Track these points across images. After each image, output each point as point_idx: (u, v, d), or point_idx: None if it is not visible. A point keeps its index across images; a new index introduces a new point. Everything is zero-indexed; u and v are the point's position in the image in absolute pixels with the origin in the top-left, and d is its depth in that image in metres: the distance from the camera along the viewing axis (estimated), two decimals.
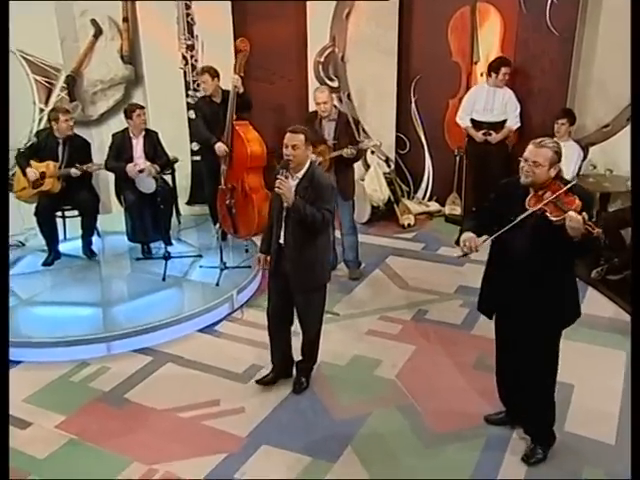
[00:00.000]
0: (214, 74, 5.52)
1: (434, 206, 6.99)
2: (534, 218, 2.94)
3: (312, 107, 6.74)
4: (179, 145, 6.44)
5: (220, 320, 4.85)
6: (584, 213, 2.80)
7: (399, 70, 6.70)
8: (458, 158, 6.72)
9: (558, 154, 2.98)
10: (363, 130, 5.78)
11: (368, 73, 6.69)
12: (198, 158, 6.84)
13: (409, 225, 6.63)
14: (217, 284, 5.05)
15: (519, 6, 6.06)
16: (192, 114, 6.69)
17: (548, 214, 2.90)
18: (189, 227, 6.44)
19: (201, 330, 4.72)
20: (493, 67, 6.14)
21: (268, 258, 3.80)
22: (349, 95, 6.84)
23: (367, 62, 6.66)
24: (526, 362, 3.15)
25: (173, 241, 5.75)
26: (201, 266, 5.39)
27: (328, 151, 5.05)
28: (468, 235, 3.17)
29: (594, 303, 4.99)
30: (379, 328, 4.72)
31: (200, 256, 5.60)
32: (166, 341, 4.54)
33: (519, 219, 2.98)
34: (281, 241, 3.65)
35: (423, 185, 7.18)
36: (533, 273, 3.01)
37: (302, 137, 3.48)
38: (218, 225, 5.19)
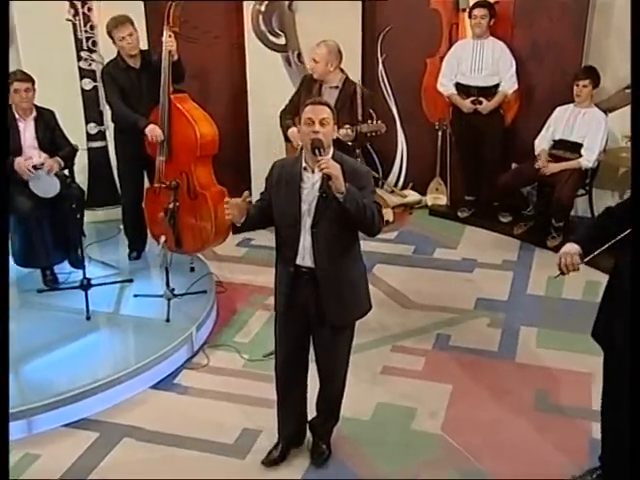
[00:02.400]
0: (131, 22, 5.05)
1: (412, 196, 6.85)
2: None
3: (251, 71, 6.46)
4: (70, 127, 5.81)
5: (178, 369, 4.44)
6: None
7: (364, 21, 6.46)
8: (440, 133, 6.65)
9: None
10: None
11: (324, 26, 6.28)
12: (98, 144, 6.30)
13: (387, 222, 6.43)
14: (167, 319, 4.63)
15: None
16: (87, 84, 6.15)
17: None
18: (93, 241, 5.87)
19: (156, 386, 4.28)
20: (468, 13, 6.13)
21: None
22: (299, 55, 6.53)
23: (323, 11, 6.34)
24: None
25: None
26: (136, 295, 4.93)
27: None
28: (567, 248, 3.15)
29: None
30: (396, 363, 4.50)
31: (130, 281, 5.12)
32: (112, 407, 4.07)
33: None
34: (301, 261, 3.29)
35: (395, 169, 7.03)
36: None
37: (329, 110, 3.20)
38: (163, 238, 4.71)
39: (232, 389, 4.24)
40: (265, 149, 6.72)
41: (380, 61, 6.67)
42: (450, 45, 6.46)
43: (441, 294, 5.31)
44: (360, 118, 4.97)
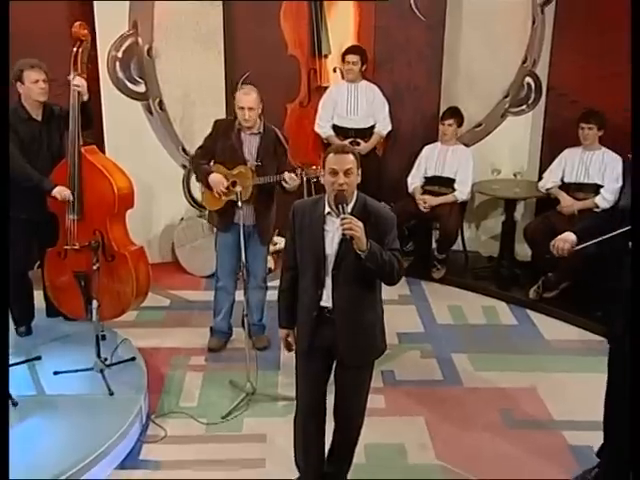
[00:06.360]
0: (45, 69, 4.84)
1: (282, 242, 7.05)
2: None
3: (108, 121, 6.36)
4: None
5: (136, 445, 4.27)
6: None
7: (226, 66, 6.66)
8: (305, 180, 6.94)
9: None
10: None
11: (187, 72, 6.53)
12: None
13: (270, 270, 6.59)
14: (111, 393, 4.46)
15: None
16: None
17: None
18: None
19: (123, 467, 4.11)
20: (342, 57, 6.67)
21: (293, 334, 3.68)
22: (161, 103, 6.59)
23: (185, 57, 6.49)
24: None
25: None
26: (57, 372, 4.65)
27: (251, 176, 4.86)
28: (566, 236, 3.69)
29: (548, 327, 5.79)
30: None
31: (38, 358, 4.82)
32: None
33: None
34: (324, 303, 3.45)
35: None
36: None
37: (353, 158, 3.33)
38: (96, 303, 4.51)
39: (208, 455, 4.20)
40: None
41: None
42: (309, 90, 6.92)
43: None
44: (293, 163, 5.05)
